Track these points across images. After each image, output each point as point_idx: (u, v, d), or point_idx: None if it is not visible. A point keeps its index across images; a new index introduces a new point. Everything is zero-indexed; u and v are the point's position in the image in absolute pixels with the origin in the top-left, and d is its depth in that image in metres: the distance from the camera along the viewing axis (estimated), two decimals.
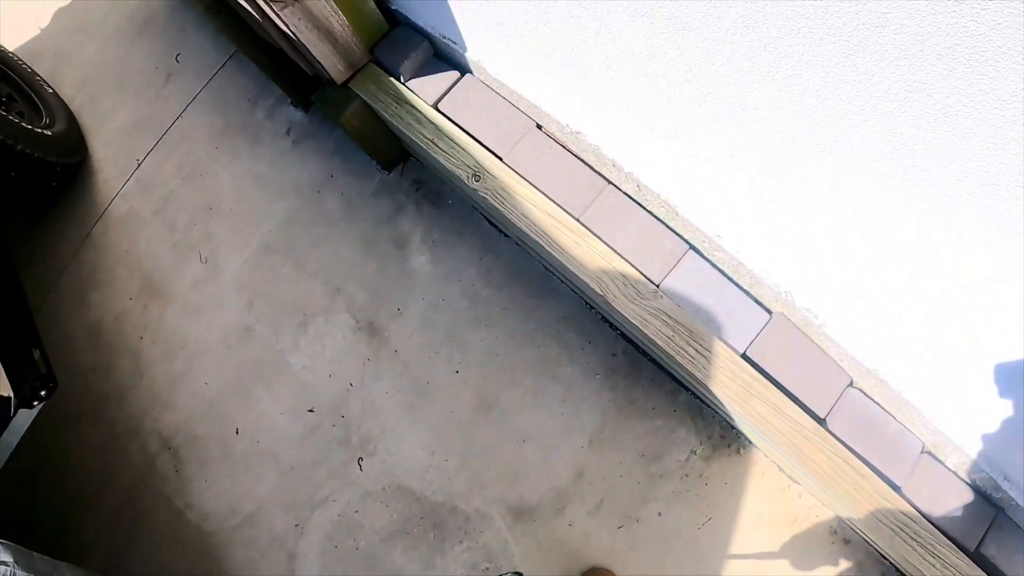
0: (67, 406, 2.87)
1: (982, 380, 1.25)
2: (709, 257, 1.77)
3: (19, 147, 2.98)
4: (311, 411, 2.55)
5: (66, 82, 3.82)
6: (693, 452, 2.16)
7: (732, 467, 2.13)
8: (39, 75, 3.69)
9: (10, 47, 3.70)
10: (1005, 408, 1.26)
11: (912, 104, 0.84)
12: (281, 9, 1.94)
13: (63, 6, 4.23)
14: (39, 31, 4.19)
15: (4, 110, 3.08)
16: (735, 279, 1.74)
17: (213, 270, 2.93)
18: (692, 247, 1.79)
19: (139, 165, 3.31)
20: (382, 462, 2.44)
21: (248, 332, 2.76)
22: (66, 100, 3.72)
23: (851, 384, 1.66)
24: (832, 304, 1.51)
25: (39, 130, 3.22)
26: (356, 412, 2.49)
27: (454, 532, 2.34)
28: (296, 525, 2.50)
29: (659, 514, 2.17)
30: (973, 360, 1.24)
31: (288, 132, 3.08)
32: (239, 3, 2.30)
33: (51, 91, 3.66)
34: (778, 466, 2.05)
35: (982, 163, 0.83)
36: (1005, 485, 1.48)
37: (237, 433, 2.63)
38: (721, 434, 2.15)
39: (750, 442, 2.10)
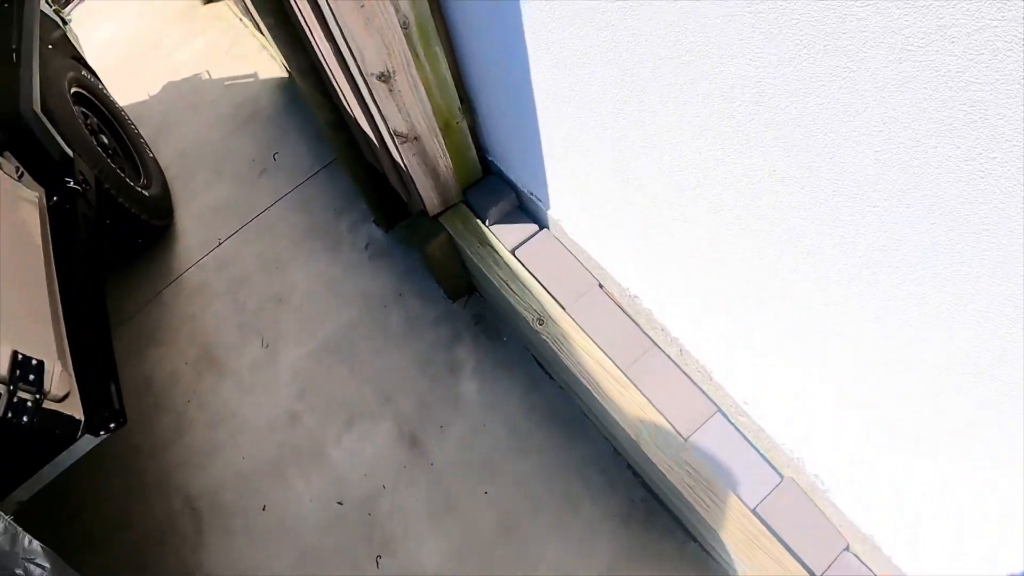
0: (101, 446, 3.26)
1: (962, 552, 1.65)
2: (733, 421, 2.27)
3: (120, 199, 3.62)
4: (340, 503, 3.00)
5: (166, 151, 4.54)
6: None
7: None
8: (143, 138, 4.41)
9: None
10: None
11: (912, 308, 1.30)
12: (401, 143, 2.55)
13: (175, 80, 5.02)
14: (148, 97, 4.96)
15: (111, 163, 3.75)
16: (754, 443, 2.23)
17: (272, 356, 3.48)
18: (720, 410, 2.30)
19: (220, 244, 3.96)
20: (399, 563, 2.85)
21: (294, 419, 3.27)
22: (163, 167, 4.42)
23: (847, 548, 2.09)
24: (838, 475, 1.96)
25: (138, 188, 3.88)
26: (384, 512, 2.94)
27: None
28: None
29: None
30: (957, 536, 1.63)
31: (366, 247, 3.71)
32: (361, 129, 2.95)
33: (151, 156, 4.37)
34: None
35: (965, 357, 1.29)
36: None
37: (264, 510, 3.08)
38: None
39: None
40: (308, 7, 2.22)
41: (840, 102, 1.11)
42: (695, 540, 2.59)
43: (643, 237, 2.18)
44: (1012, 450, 1.27)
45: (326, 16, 2.15)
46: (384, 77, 2.29)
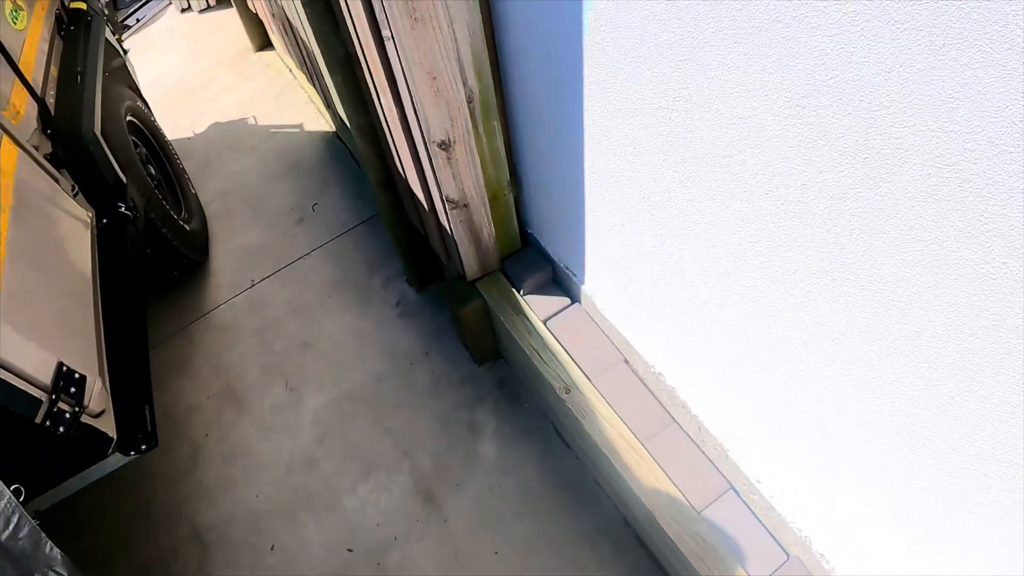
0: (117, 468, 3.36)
1: None
2: (745, 499, 2.43)
3: (163, 230, 3.81)
4: (350, 551, 3.12)
5: (207, 188, 4.78)
6: None
7: None
8: (187, 173, 4.63)
9: None
10: None
11: (926, 394, 1.46)
12: (451, 209, 2.75)
13: (221, 121, 5.28)
14: (193, 134, 5.22)
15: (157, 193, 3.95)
16: (763, 521, 2.38)
17: (295, 399, 3.65)
18: (732, 487, 2.46)
19: (253, 285, 4.16)
20: None
21: (312, 464, 3.41)
22: (203, 204, 4.65)
23: None
24: (844, 556, 2.10)
25: (179, 221, 4.08)
26: (393, 563, 3.05)
27: None
28: None
29: None
30: None
31: (397, 304, 3.91)
32: (410, 190, 3.15)
33: (194, 191, 4.58)
34: None
35: (971, 440, 1.43)
36: None
37: (272, 549, 3.19)
38: None
39: None
40: (381, 72, 2.44)
41: (874, 207, 1.32)
42: None
43: (675, 319, 2.36)
44: (1014, 528, 1.43)
45: (399, 83, 2.37)
46: (444, 145, 2.50)
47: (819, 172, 1.40)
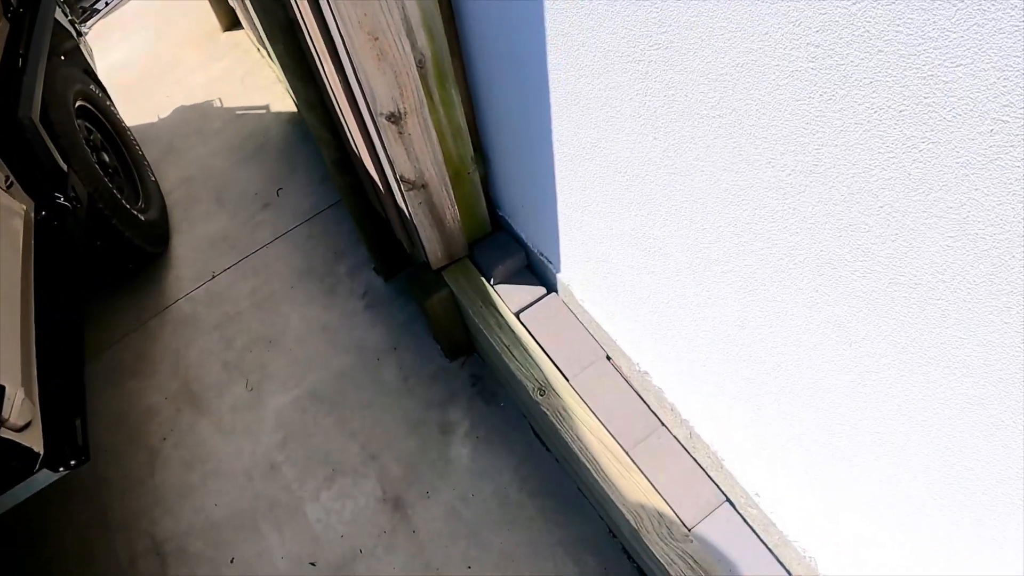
0: (70, 475, 3.08)
1: None
2: (742, 512, 2.14)
3: (113, 220, 3.51)
4: (313, 564, 2.84)
5: (168, 176, 4.49)
6: None
7: None
8: (147, 160, 4.34)
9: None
10: None
11: (968, 413, 1.16)
12: (408, 190, 2.45)
13: (186, 104, 5.01)
14: (157, 119, 4.94)
15: (109, 182, 3.66)
16: (763, 538, 2.09)
17: (256, 399, 3.36)
18: (728, 500, 2.16)
19: (214, 277, 3.86)
20: None
21: (273, 469, 3.12)
22: (164, 192, 4.36)
23: None
24: None
25: (134, 212, 3.79)
26: None
27: None
28: None
29: None
30: None
31: (364, 295, 3.61)
32: (366, 171, 2.85)
33: (153, 179, 4.30)
34: None
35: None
36: None
37: (232, 562, 2.92)
38: None
39: None
40: (319, 36, 2.14)
41: (912, 178, 1.00)
42: None
43: (660, 312, 2.07)
44: None
45: (338, 47, 2.07)
46: (394, 118, 2.20)
47: (838, 132, 1.07)
